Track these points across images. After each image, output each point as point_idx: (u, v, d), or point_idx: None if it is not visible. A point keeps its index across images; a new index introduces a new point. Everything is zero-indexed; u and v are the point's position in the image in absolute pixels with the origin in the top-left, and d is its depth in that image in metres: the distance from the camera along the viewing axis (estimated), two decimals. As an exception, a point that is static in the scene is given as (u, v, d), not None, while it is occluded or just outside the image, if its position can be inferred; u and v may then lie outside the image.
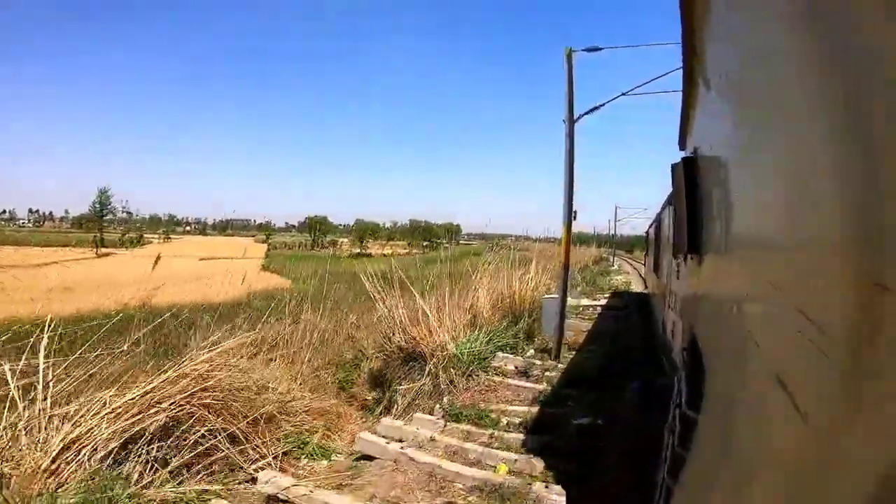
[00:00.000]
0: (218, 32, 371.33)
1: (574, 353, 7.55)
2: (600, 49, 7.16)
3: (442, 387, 5.80)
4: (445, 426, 4.95)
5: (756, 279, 1.32)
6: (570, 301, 13.61)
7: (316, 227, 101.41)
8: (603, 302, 14.22)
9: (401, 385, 6.32)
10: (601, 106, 6.77)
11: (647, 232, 15.69)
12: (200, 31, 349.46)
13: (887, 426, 0.58)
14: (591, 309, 13.11)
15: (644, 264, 20.69)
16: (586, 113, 6.77)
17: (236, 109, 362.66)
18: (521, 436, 4.65)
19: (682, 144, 4.24)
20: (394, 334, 6.66)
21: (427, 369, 6.04)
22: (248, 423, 4.19)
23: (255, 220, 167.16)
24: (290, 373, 6.19)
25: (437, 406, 5.51)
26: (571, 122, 6.73)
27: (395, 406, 6.26)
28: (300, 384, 5.98)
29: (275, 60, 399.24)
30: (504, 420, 5.02)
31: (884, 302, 0.59)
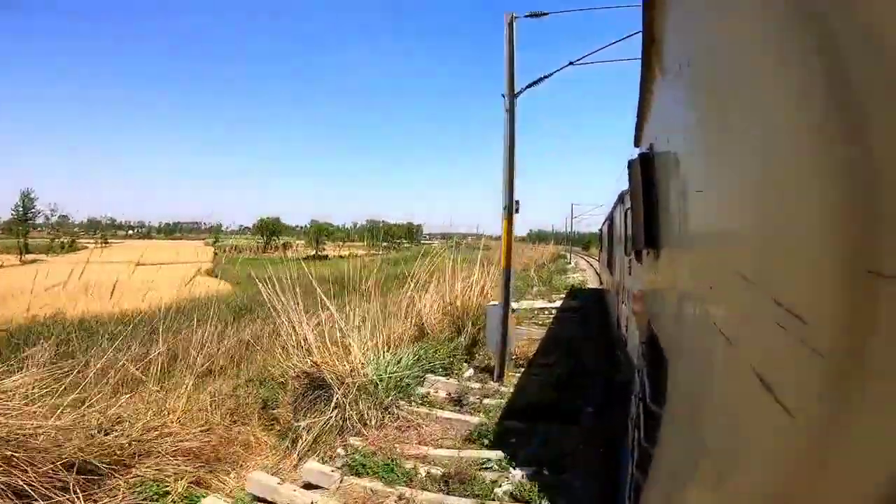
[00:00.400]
0: (170, 31, 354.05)
1: (522, 369, 6.47)
2: (545, 14, 6.16)
3: (348, 424, 4.57)
4: (341, 482, 3.73)
5: (723, 272, 1.16)
6: (524, 304, 12.75)
7: (268, 229, 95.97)
8: (559, 304, 13.46)
9: (305, 418, 5.05)
10: (546, 77, 5.73)
11: (600, 230, 15.29)
12: (151, 28, 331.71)
13: (886, 419, 0.51)
14: (545, 312, 12.20)
15: (599, 261, 20.40)
16: (529, 86, 5.72)
17: (187, 110, 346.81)
18: (441, 496, 3.51)
19: (638, 141, 3.92)
20: (296, 356, 5.37)
21: (334, 400, 4.78)
22: (53, 474, 3.29)
23: (205, 223, 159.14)
24: (163, 404, 4.96)
25: (340, 450, 4.30)
26: (512, 95, 5.66)
27: (300, 442, 5.02)
28: (183, 414, 4.84)
29: (225, 61, 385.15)
30: (422, 471, 3.85)
31: (877, 291, 0.52)
